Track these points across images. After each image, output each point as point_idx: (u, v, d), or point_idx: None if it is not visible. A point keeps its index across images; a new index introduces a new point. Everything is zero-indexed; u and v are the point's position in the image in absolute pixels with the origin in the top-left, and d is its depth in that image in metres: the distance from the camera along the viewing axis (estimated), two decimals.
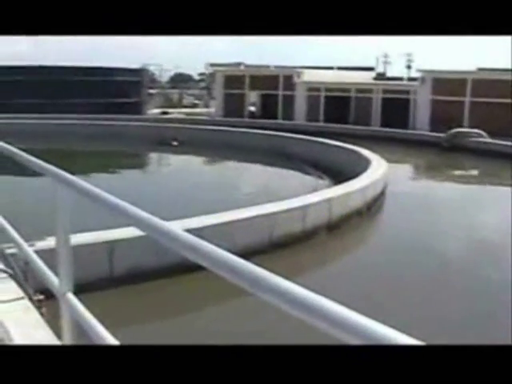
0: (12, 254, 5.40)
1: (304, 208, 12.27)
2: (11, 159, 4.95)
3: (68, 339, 3.36)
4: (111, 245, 8.97)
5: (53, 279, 3.57)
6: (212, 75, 59.56)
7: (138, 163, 30.33)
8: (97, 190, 2.83)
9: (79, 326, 3.21)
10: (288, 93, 45.66)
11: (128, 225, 8.22)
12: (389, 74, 68.36)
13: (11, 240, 5.02)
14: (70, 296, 3.25)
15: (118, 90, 47.39)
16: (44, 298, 5.06)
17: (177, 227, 2.23)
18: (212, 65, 60.52)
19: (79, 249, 7.22)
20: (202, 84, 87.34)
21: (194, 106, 67.50)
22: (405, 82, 48.32)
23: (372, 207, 15.57)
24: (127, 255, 9.09)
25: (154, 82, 70.70)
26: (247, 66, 53.55)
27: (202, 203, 14.66)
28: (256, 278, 1.62)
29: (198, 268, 6.38)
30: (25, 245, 4.43)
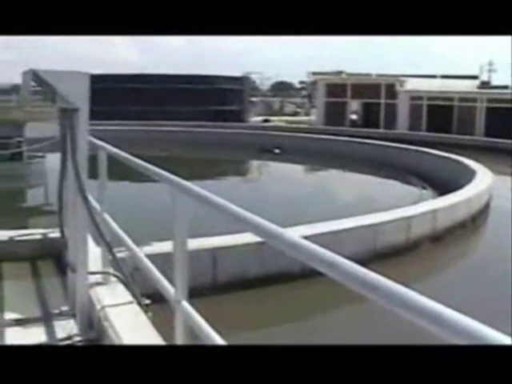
0: (122, 259, 5.52)
1: (408, 219, 12.11)
2: (124, 165, 5.07)
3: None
4: (215, 252, 9.05)
5: (167, 287, 3.63)
6: (314, 83, 59.50)
7: (240, 170, 30.60)
8: (216, 198, 2.87)
9: (192, 333, 3.26)
10: (390, 101, 45.21)
11: (232, 232, 8.35)
12: (494, 83, 66.80)
13: (123, 244, 5.15)
14: (185, 304, 3.30)
15: (221, 97, 48.01)
16: (151, 303, 5.16)
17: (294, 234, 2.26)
18: (314, 73, 60.53)
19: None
20: (304, 92, 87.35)
21: (295, 114, 67.61)
22: (510, 91, 47.07)
23: (477, 219, 15.23)
24: (231, 262, 9.16)
25: (255, 90, 71.19)
26: (349, 75, 53.32)
27: (301, 212, 14.65)
28: (379, 286, 1.63)
29: (301, 276, 6.42)
30: (137, 250, 4.52)
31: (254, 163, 32.93)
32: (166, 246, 7.95)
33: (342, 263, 1.84)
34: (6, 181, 19.18)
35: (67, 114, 4.79)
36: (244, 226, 2.58)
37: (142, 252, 4.45)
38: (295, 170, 29.54)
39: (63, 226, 5.60)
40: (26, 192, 20.43)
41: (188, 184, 3.23)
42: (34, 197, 19.51)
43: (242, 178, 28.02)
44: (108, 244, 5.26)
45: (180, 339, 3.39)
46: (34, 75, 4.51)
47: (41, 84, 4.72)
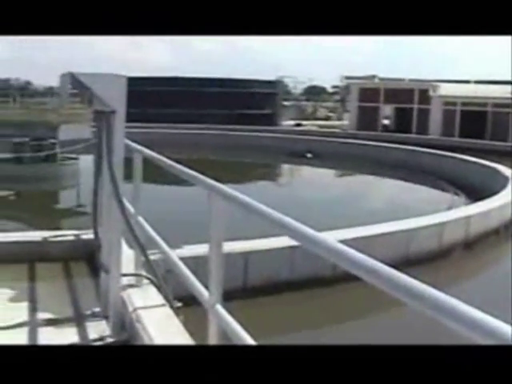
0: (154, 261, 5.54)
1: (441, 225, 12.03)
2: (154, 167, 5.09)
3: None
4: (246, 255, 9.05)
5: (202, 290, 3.63)
6: (346, 88, 59.33)
7: (271, 174, 30.59)
8: (254, 202, 2.89)
9: (225, 336, 3.26)
10: (423, 106, 44.88)
11: (263, 236, 8.36)
12: None
13: (156, 247, 5.17)
14: (219, 308, 3.30)
15: (254, 101, 48.06)
16: (182, 305, 5.17)
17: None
18: (347, 77, 60.32)
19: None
20: (336, 97, 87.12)
21: (328, 118, 67.42)
22: None
23: (510, 226, 15.08)
24: (262, 266, 9.15)
25: (288, 93, 71.14)
26: (382, 79, 53.09)
27: (332, 217, 14.62)
28: (422, 293, 1.63)
29: (332, 281, 6.38)
30: (171, 253, 4.53)
31: (286, 167, 32.91)
32: (196, 250, 7.98)
33: (383, 269, 1.83)
34: (39, 182, 19.38)
35: (104, 117, 4.82)
36: (282, 230, 2.58)
37: (175, 255, 4.45)
38: (327, 174, 29.47)
39: (97, 228, 5.63)
40: (59, 193, 20.60)
41: (225, 188, 3.24)
42: (66, 198, 19.67)
43: (272, 181, 28.02)
44: (142, 246, 5.28)
45: (213, 342, 3.39)
46: (72, 78, 4.54)
47: (78, 87, 4.76)
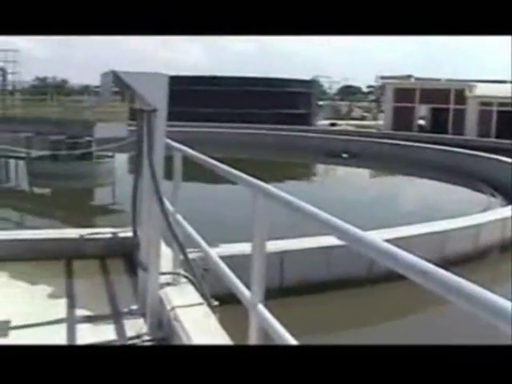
0: (192, 260, 5.54)
1: (477, 227, 11.92)
2: (191, 166, 5.10)
3: None
4: (282, 255, 9.03)
5: (243, 289, 3.62)
6: (382, 88, 59.01)
7: (306, 174, 30.53)
8: (299, 202, 2.89)
9: (267, 336, 3.25)
10: (459, 107, 44.48)
11: (298, 236, 8.34)
12: None
13: (195, 246, 5.17)
14: (261, 307, 3.29)
15: (290, 101, 47.95)
16: (219, 304, 5.17)
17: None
18: (382, 77, 60.03)
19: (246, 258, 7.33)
20: (371, 96, 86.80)
21: (363, 118, 67.19)
22: None
23: None
24: (297, 266, 9.13)
25: (323, 93, 71.03)
26: (417, 79, 52.72)
27: (366, 217, 14.54)
28: (478, 296, 1.61)
29: (367, 282, 6.34)
30: (212, 252, 4.53)
31: (321, 167, 32.82)
32: (233, 248, 7.99)
33: (434, 270, 1.82)
34: (75, 180, 19.54)
35: (145, 115, 4.83)
36: (329, 230, 2.59)
37: (215, 254, 4.44)
38: (362, 174, 29.35)
39: (136, 226, 5.65)
40: (95, 191, 20.76)
41: (270, 187, 3.23)
42: (102, 196, 19.82)
43: (307, 181, 27.95)
44: (181, 245, 5.29)
45: (254, 342, 3.38)
46: (114, 76, 4.56)
47: (120, 85, 4.78)
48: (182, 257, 5.49)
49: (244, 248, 8.40)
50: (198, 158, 4.98)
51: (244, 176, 3.71)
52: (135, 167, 5.32)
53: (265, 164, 28.81)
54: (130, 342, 4.85)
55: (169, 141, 5.21)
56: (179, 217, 5.48)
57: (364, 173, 29.79)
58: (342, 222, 2.49)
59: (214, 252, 4.51)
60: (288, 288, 8.97)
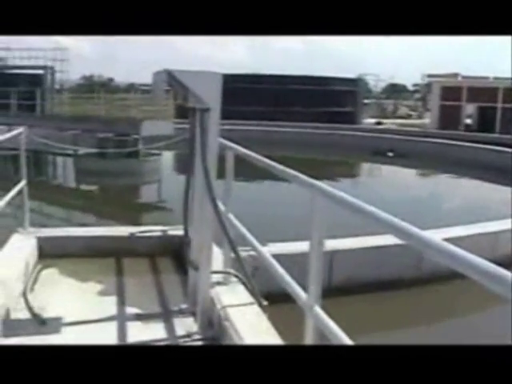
0: (243, 259, 5.51)
1: None
2: (250, 164, 5.06)
3: None
4: (331, 254, 8.97)
5: (298, 290, 3.59)
6: (428, 86, 58.54)
7: (352, 172, 30.38)
8: (358, 202, 2.88)
9: (322, 337, 3.21)
10: (507, 106, 43.95)
11: (347, 236, 8.28)
12: None
13: (247, 245, 5.14)
14: (317, 309, 3.25)
15: (335, 99, 47.82)
16: (268, 304, 5.14)
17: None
18: (429, 75, 59.55)
19: (301, 257, 7.30)
20: (417, 95, 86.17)
21: (408, 116, 66.74)
22: None
23: None
24: (346, 266, 9.07)
25: (368, 91, 70.68)
26: (464, 77, 52.18)
27: (412, 217, 14.41)
28: None
29: (416, 282, 6.23)
30: (265, 252, 4.49)
31: (366, 166, 32.63)
32: (281, 248, 7.97)
33: (498, 270, 1.79)
34: (122, 177, 19.71)
35: (198, 114, 4.83)
36: (389, 230, 2.58)
37: (268, 253, 4.41)
38: (408, 173, 29.08)
39: (187, 225, 5.65)
40: (141, 188, 20.91)
41: (328, 187, 3.20)
42: (148, 193, 19.95)
43: (353, 180, 27.81)
44: (233, 244, 5.26)
45: (309, 342, 3.35)
46: (168, 75, 4.56)
47: (172, 84, 4.78)
48: (232, 256, 5.48)
49: (292, 247, 8.39)
50: (251, 157, 4.95)
51: (301, 176, 3.68)
52: (188, 166, 5.31)
53: (310, 162, 28.75)
54: (180, 341, 4.86)
55: (221, 139, 5.19)
56: (231, 216, 5.46)
57: (410, 172, 29.51)
58: (398, 220, 2.50)
59: (267, 251, 4.47)
60: (337, 288, 8.91)
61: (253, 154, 4.94)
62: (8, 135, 6.57)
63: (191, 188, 5.30)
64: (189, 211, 5.50)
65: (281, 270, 3.96)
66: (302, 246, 8.07)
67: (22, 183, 6.95)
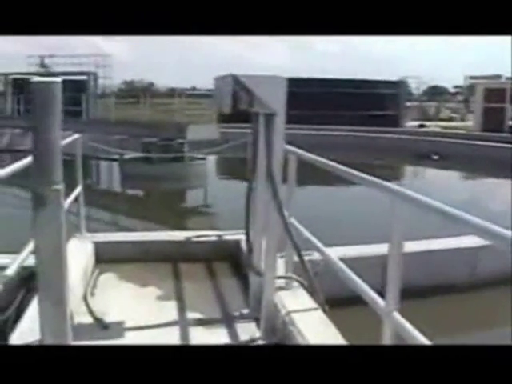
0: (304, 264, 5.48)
1: None
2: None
3: None
4: (384, 259, 8.89)
5: (375, 296, 3.56)
6: (470, 88, 57.98)
7: (395, 176, 30.16)
8: (439, 204, 2.88)
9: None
10: None
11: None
12: None
13: (313, 250, 5.11)
14: (396, 315, 3.21)
15: (377, 102, 47.51)
16: (329, 308, 5.12)
17: None
18: (471, 77, 59.00)
19: (355, 261, 7.24)
20: (458, 97, 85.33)
21: (451, 119, 66.04)
22: None
23: None
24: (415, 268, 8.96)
25: (409, 94, 70.19)
26: (508, 79, 51.57)
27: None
28: None
29: (467, 289, 6.10)
30: (333, 256, 4.46)
31: (410, 169, 32.38)
32: (341, 252, 7.94)
33: None
34: (168, 182, 19.80)
35: (263, 119, 4.82)
36: (466, 228, 2.63)
37: (337, 258, 4.37)
38: (452, 177, 28.79)
39: (249, 230, 5.64)
40: (187, 193, 20.96)
41: (409, 192, 3.17)
42: (195, 198, 19.99)
43: (397, 183, 27.57)
44: (298, 248, 5.24)
45: None
46: (234, 80, 4.57)
47: (236, 89, 4.77)
48: (296, 260, 5.45)
49: (352, 251, 8.33)
50: (317, 161, 4.92)
51: (379, 181, 3.64)
52: (250, 171, 5.31)
53: (355, 165, 28.56)
54: (246, 345, 4.85)
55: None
56: (293, 220, 5.44)
57: (454, 175, 29.21)
58: (483, 221, 2.50)
59: (336, 256, 4.44)
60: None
61: (319, 159, 4.90)
62: (67, 140, 6.64)
63: (253, 193, 5.30)
64: (250, 216, 5.50)
65: (352, 275, 3.93)
66: (361, 250, 8.03)
67: (79, 189, 7.00)
